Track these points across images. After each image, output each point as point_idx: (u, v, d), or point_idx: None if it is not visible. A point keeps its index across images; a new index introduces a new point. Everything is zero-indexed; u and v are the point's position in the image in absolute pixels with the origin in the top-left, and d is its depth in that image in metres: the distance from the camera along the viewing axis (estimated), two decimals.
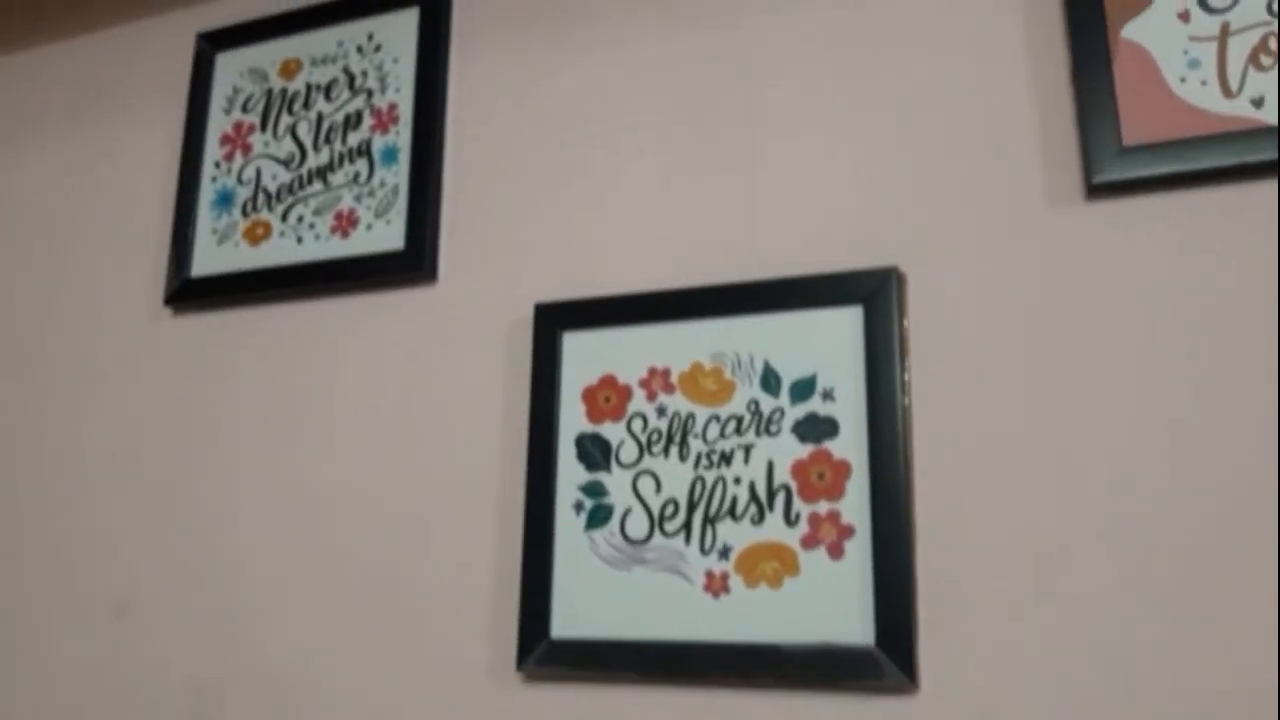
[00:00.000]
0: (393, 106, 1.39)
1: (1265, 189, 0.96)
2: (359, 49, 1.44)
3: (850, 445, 1.05)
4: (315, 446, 1.30)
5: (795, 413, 1.08)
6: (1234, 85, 0.97)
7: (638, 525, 1.11)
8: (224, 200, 1.46)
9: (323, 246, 1.38)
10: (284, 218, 1.41)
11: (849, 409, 1.06)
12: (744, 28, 1.21)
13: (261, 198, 1.43)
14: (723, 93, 1.20)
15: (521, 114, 1.31)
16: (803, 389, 1.08)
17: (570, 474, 1.15)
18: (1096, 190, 1.00)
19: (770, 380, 1.10)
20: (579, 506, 1.14)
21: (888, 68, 1.14)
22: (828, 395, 1.07)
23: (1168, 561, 0.93)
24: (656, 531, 1.10)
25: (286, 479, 1.31)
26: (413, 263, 1.30)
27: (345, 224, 1.37)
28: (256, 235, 1.42)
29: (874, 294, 1.07)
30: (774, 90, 1.18)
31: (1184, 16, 1.00)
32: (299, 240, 1.39)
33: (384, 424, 1.27)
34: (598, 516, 1.13)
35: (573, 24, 1.31)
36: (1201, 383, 0.95)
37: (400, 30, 1.41)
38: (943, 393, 1.04)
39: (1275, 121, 0.95)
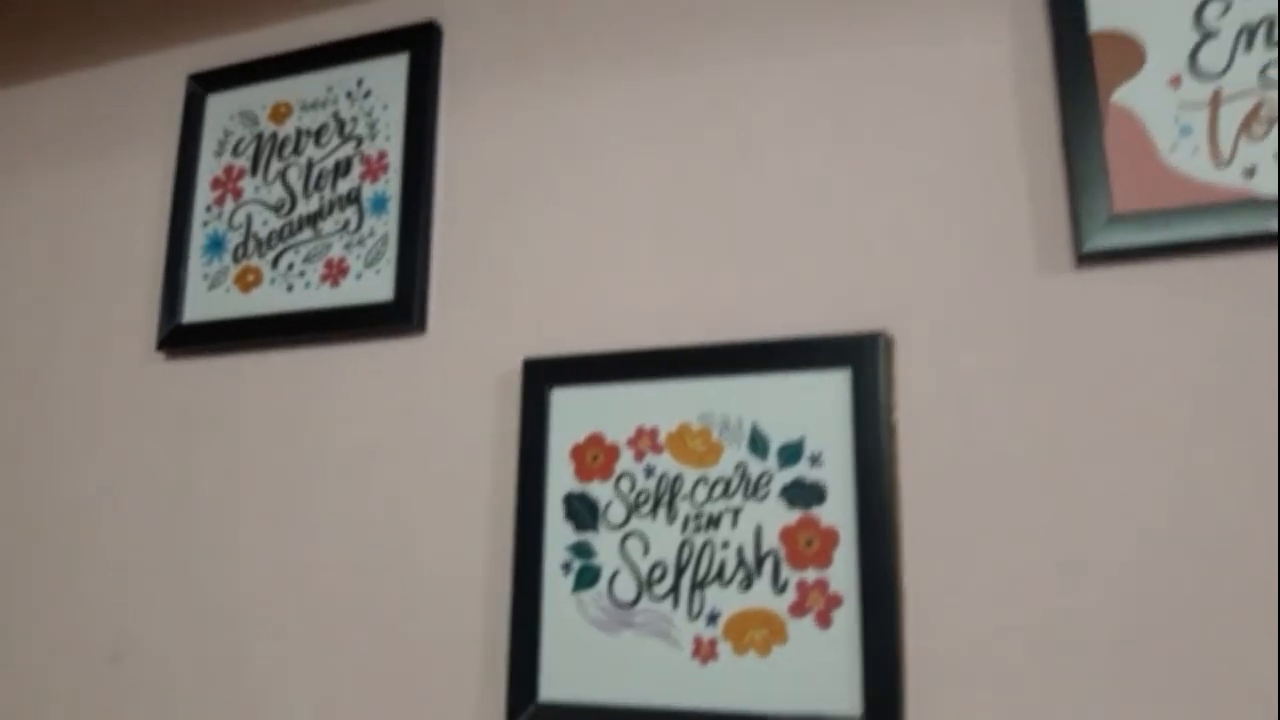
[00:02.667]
0: (382, 154, 1.38)
1: (1257, 260, 0.95)
2: (349, 94, 1.43)
3: (838, 512, 1.04)
4: (306, 498, 1.30)
5: (783, 477, 1.07)
6: (1225, 154, 0.96)
7: (626, 588, 1.11)
8: (215, 245, 1.46)
9: (313, 295, 1.37)
10: (274, 265, 1.41)
11: (837, 474, 1.05)
12: (735, 88, 1.20)
13: (252, 244, 1.43)
14: (715, 151, 1.19)
15: (511, 163, 1.30)
16: (791, 453, 1.07)
17: (559, 534, 1.15)
18: (1086, 258, 0.99)
19: (758, 443, 1.09)
20: (567, 567, 1.14)
21: (879, 130, 1.12)
22: (816, 460, 1.06)
23: (1162, 634, 0.92)
24: (645, 595, 1.10)
25: (278, 530, 1.30)
26: (402, 314, 1.30)
27: (335, 273, 1.37)
28: (248, 282, 1.42)
29: (862, 357, 1.06)
30: (766, 151, 1.17)
31: (1175, 82, 0.99)
32: (289, 288, 1.39)
33: (373, 477, 1.27)
34: (586, 578, 1.13)
35: (563, 72, 1.30)
36: (1191, 453, 0.94)
37: (390, 76, 1.40)
38: (931, 459, 1.03)
39: (1267, 192, 0.94)
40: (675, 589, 1.09)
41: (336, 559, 1.26)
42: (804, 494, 1.06)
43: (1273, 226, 0.93)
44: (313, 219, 1.40)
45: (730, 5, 1.23)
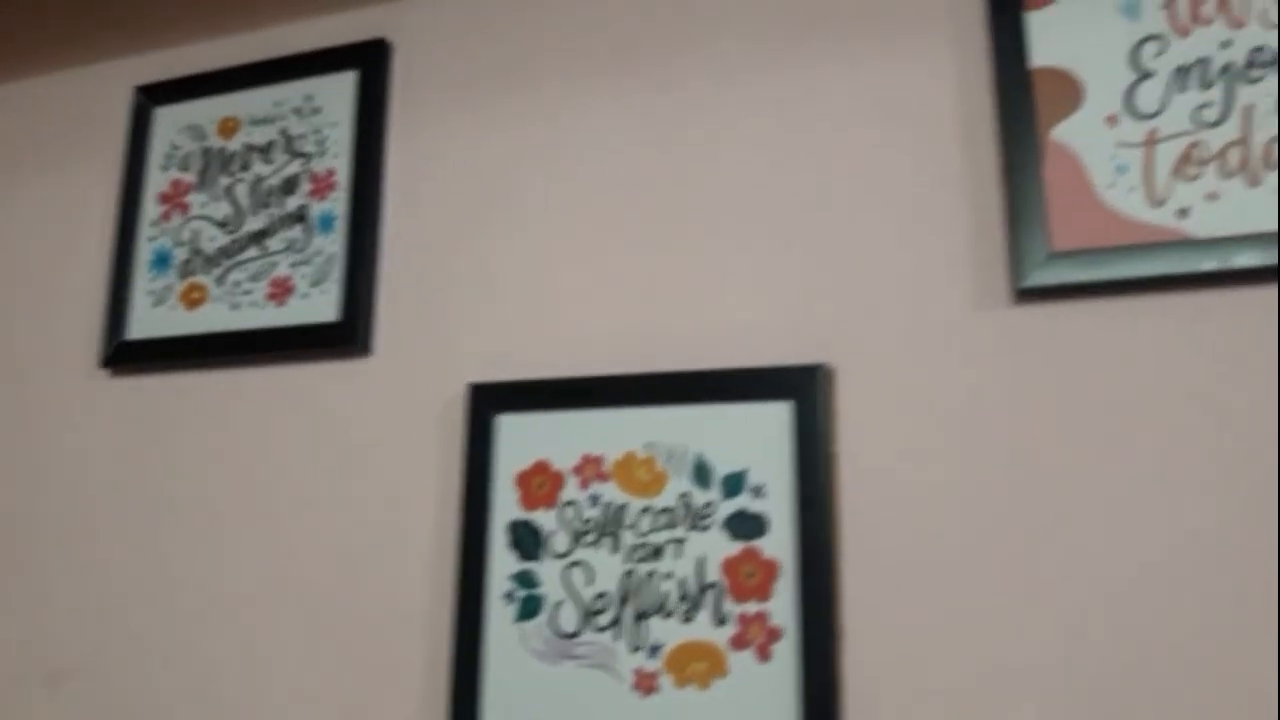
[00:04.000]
0: (331, 172, 1.37)
1: (1190, 300, 0.96)
2: (297, 111, 1.41)
3: (780, 544, 1.05)
4: (248, 521, 1.29)
5: (726, 508, 1.07)
6: (1160, 194, 0.97)
7: (568, 619, 1.10)
8: (161, 261, 1.44)
9: (258, 314, 1.36)
10: (220, 282, 1.39)
11: (779, 506, 1.05)
12: (684, 118, 1.20)
13: (198, 260, 1.41)
14: (662, 180, 1.19)
15: (462, 184, 1.29)
16: (734, 484, 1.08)
17: (502, 562, 1.14)
18: (1024, 294, 1.00)
19: (702, 473, 1.09)
20: (510, 597, 1.13)
21: (822, 163, 1.13)
22: (759, 491, 1.07)
23: (1105, 666, 0.93)
24: (587, 626, 1.09)
25: (219, 552, 1.29)
26: (347, 335, 1.29)
27: (281, 292, 1.35)
28: (193, 299, 1.40)
29: (804, 389, 1.06)
30: (713, 182, 1.17)
31: (1112, 120, 1.00)
32: (235, 306, 1.37)
33: (315, 501, 1.26)
34: (528, 608, 1.12)
35: (515, 94, 1.29)
36: (1127, 486, 0.95)
37: (339, 93, 1.39)
38: (873, 491, 1.03)
39: (1199, 233, 0.95)
40: (618, 620, 1.09)
41: (277, 583, 1.25)
42: (746, 525, 1.06)
43: (1203, 266, 0.94)
44: (259, 236, 1.39)
45: (679, 35, 1.23)
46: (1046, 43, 1.03)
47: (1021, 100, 1.02)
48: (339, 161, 1.37)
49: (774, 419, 1.07)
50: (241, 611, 1.26)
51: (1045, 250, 0.98)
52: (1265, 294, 0.94)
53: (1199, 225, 0.95)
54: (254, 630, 1.24)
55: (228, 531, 1.29)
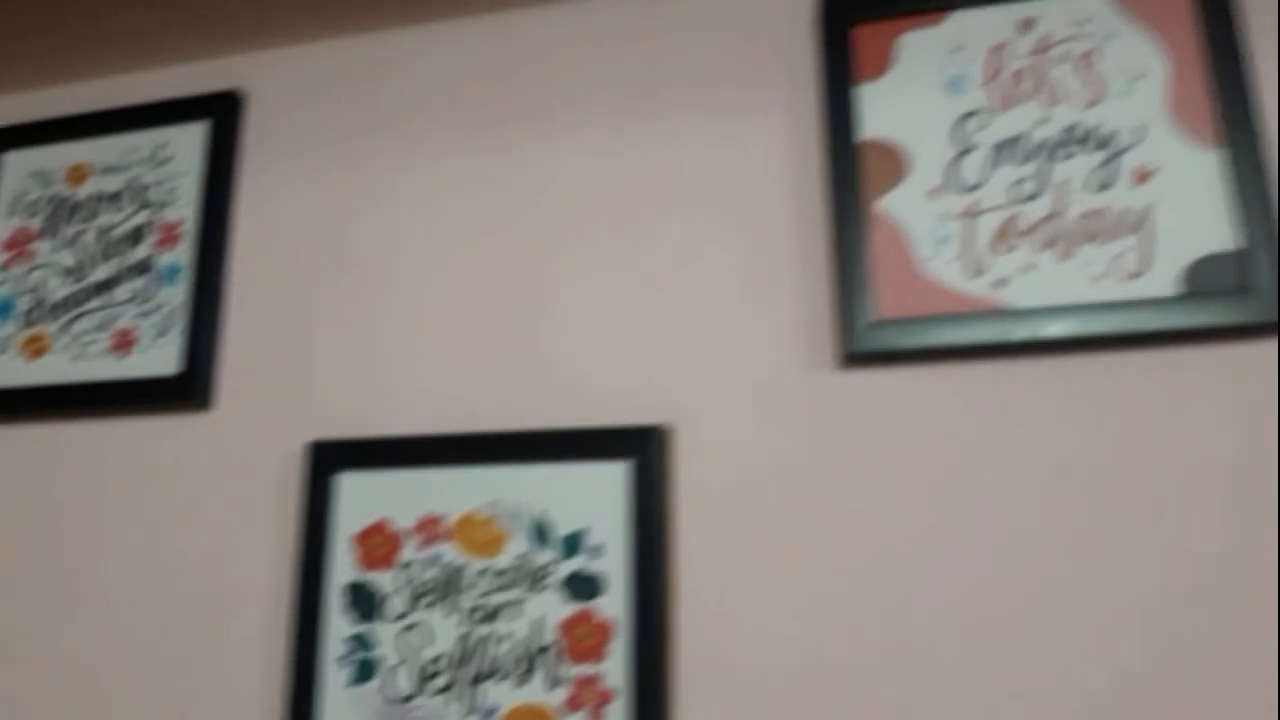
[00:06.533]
0: (178, 222, 1.34)
1: (1005, 368, 0.99)
2: (148, 160, 1.38)
3: (616, 605, 1.04)
4: (86, 577, 1.24)
5: (564, 568, 1.07)
6: (979, 265, 1.00)
7: (404, 682, 1.08)
8: (4, 309, 1.39)
9: (100, 366, 1.32)
10: (64, 332, 1.35)
11: (617, 567, 1.05)
12: (528, 180, 1.21)
13: (42, 310, 1.37)
14: (508, 239, 1.20)
15: (308, 239, 1.28)
16: (573, 544, 1.07)
17: (338, 625, 1.12)
18: (851, 359, 1.02)
19: (542, 533, 1.08)
20: (345, 660, 1.10)
21: (661, 230, 1.14)
22: (597, 551, 1.06)
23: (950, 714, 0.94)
24: (422, 690, 1.07)
25: (55, 607, 1.24)
26: (187, 389, 1.26)
27: (124, 343, 1.31)
28: (35, 349, 1.36)
29: (643, 450, 1.07)
30: (556, 244, 1.18)
31: (935, 193, 1.03)
32: (77, 358, 1.33)
33: (152, 559, 1.22)
34: (363, 672, 1.10)
35: (364, 149, 1.28)
36: (947, 544, 0.97)
37: (190, 143, 1.37)
38: (709, 551, 1.04)
39: (1015, 304, 0.98)
40: (453, 684, 1.07)
41: (109, 641, 1.20)
42: (584, 586, 1.06)
43: (1015, 336, 0.97)
44: (105, 286, 1.35)
45: (527, 100, 1.24)
46: (876, 116, 1.06)
47: (850, 172, 1.05)
48: (187, 212, 1.34)
49: (613, 479, 1.07)
50: (72, 669, 1.20)
51: (870, 317, 1.01)
52: (1074, 363, 0.98)
53: (1015, 296, 0.98)
54: (85, 688, 1.19)
55: (62, 587, 1.24)
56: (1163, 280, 0.95)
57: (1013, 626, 0.94)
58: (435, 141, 1.26)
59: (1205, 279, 0.94)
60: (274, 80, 1.36)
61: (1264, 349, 0.95)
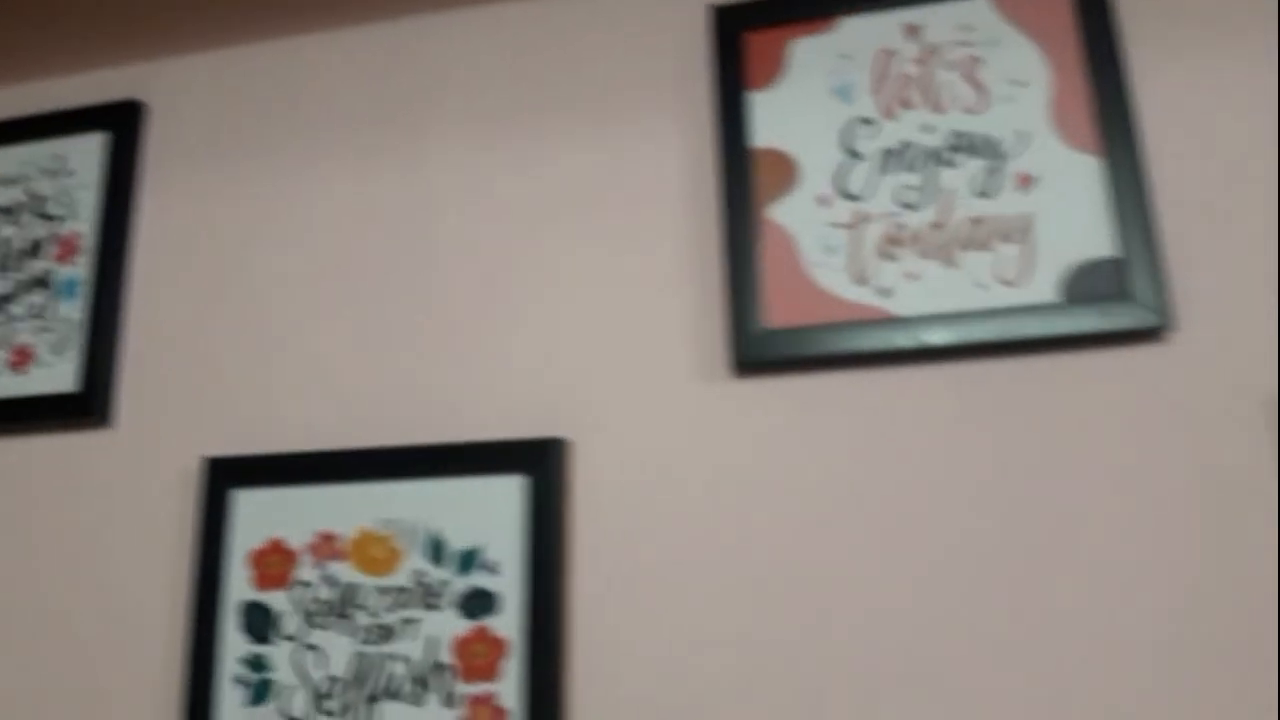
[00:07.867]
0: (76, 236, 1.31)
1: (889, 375, 0.99)
2: (46, 171, 1.36)
3: (510, 623, 1.03)
4: None
5: (459, 585, 1.05)
6: (865, 273, 1.00)
7: (298, 705, 1.06)
8: None
9: None
10: None
11: (512, 584, 1.04)
12: (427, 191, 1.20)
13: None
14: (405, 253, 1.18)
15: (207, 251, 1.26)
16: (468, 560, 1.06)
17: (233, 645, 1.10)
18: (742, 367, 1.01)
19: (437, 550, 1.07)
20: (240, 681, 1.09)
21: (557, 239, 1.13)
22: (493, 568, 1.05)
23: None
24: (318, 711, 1.06)
25: None
26: (85, 406, 1.23)
27: (22, 360, 1.29)
28: None
29: (539, 463, 1.05)
30: (453, 257, 1.17)
31: (824, 200, 1.03)
32: None
33: (49, 578, 1.19)
34: (259, 693, 1.08)
35: (266, 160, 1.27)
36: (842, 548, 0.97)
37: (89, 154, 1.34)
38: (606, 565, 1.03)
39: (899, 311, 0.98)
40: (348, 706, 1.05)
41: (8, 657, 1.18)
42: (479, 603, 1.04)
43: (899, 343, 0.97)
44: (2, 301, 1.32)
45: (429, 109, 1.22)
46: (767, 123, 1.06)
47: (742, 179, 1.04)
48: (86, 225, 1.31)
49: (509, 493, 1.06)
50: None
51: (760, 325, 1.00)
52: (960, 370, 0.98)
53: (899, 304, 0.98)
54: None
55: None
56: (1044, 287, 0.95)
57: (913, 634, 0.94)
58: (335, 152, 1.24)
59: (1086, 285, 0.94)
60: (175, 90, 1.34)
61: (1144, 354, 0.95)
